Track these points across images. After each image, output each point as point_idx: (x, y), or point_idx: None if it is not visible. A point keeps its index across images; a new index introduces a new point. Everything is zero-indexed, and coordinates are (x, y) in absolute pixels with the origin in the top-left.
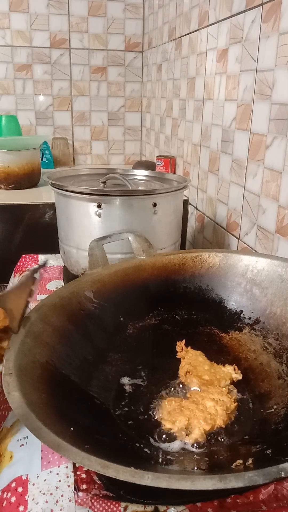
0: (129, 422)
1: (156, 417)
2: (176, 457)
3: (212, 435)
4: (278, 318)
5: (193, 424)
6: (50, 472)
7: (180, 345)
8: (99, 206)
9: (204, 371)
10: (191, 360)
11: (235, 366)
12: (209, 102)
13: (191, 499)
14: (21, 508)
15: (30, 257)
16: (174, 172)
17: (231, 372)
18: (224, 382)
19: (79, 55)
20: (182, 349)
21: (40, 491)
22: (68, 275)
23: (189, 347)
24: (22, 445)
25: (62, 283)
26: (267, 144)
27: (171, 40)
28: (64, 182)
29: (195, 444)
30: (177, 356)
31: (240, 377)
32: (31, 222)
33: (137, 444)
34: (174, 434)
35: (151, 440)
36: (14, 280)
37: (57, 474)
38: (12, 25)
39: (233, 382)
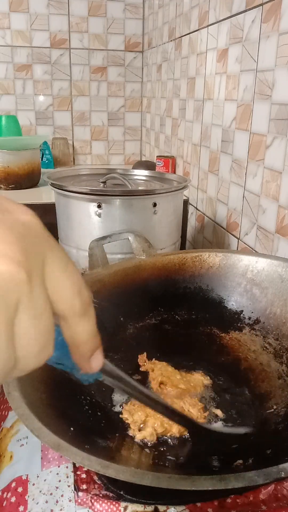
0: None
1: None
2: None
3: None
4: (278, 318)
5: (148, 422)
6: (50, 472)
7: (143, 358)
8: (99, 206)
9: (177, 380)
10: (162, 371)
11: (202, 372)
12: (209, 102)
13: (191, 499)
14: (21, 508)
15: None
16: (174, 172)
17: (202, 378)
18: (199, 388)
19: (79, 55)
20: (145, 362)
21: (40, 491)
22: None
23: (154, 359)
24: (22, 445)
25: None
26: (267, 144)
27: (171, 40)
28: (64, 182)
29: (142, 442)
30: (141, 370)
31: (208, 381)
32: None
33: (138, 443)
34: (128, 425)
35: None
36: None
37: (57, 474)
38: (12, 25)
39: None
